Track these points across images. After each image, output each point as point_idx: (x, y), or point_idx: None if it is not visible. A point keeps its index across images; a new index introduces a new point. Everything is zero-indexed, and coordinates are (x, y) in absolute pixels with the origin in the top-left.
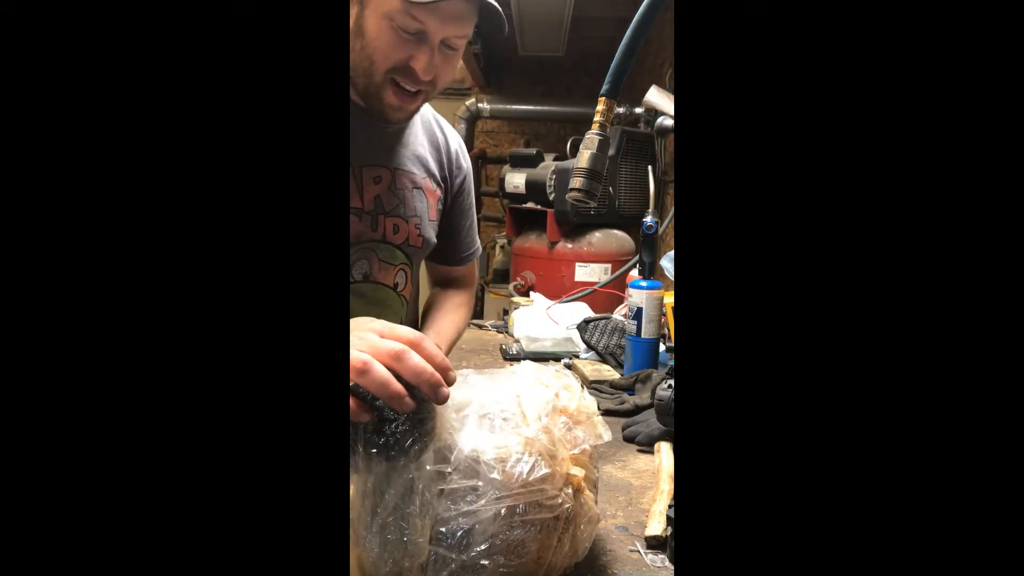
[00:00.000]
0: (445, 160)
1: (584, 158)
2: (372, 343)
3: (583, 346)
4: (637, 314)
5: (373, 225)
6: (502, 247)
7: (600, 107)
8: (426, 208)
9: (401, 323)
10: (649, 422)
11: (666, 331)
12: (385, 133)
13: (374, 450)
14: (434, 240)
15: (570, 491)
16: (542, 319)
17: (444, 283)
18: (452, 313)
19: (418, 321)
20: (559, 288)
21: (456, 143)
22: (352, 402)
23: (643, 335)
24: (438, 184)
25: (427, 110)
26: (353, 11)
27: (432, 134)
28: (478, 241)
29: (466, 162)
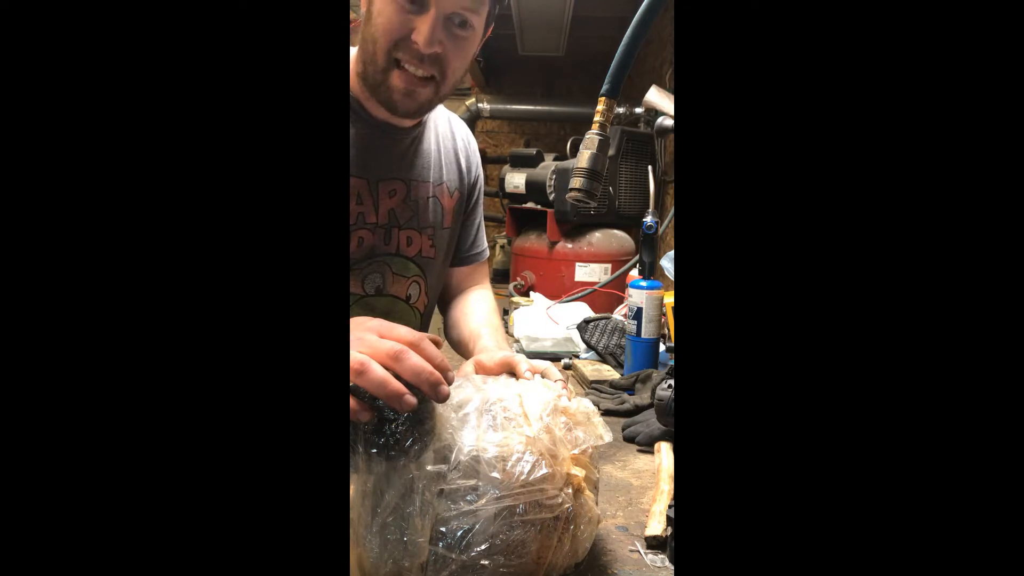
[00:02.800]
0: (464, 160)
1: (584, 158)
2: (371, 343)
3: (583, 346)
4: (637, 314)
5: (386, 238)
6: (502, 247)
7: (600, 107)
8: (440, 217)
9: None
10: (649, 422)
11: (666, 331)
12: (402, 144)
13: (374, 450)
14: (446, 248)
15: (570, 491)
16: (542, 319)
17: (453, 293)
18: (479, 305)
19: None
20: (559, 288)
21: (472, 142)
22: (352, 402)
23: (643, 335)
24: (456, 189)
25: (441, 111)
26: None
27: (449, 136)
28: (485, 244)
29: (478, 159)
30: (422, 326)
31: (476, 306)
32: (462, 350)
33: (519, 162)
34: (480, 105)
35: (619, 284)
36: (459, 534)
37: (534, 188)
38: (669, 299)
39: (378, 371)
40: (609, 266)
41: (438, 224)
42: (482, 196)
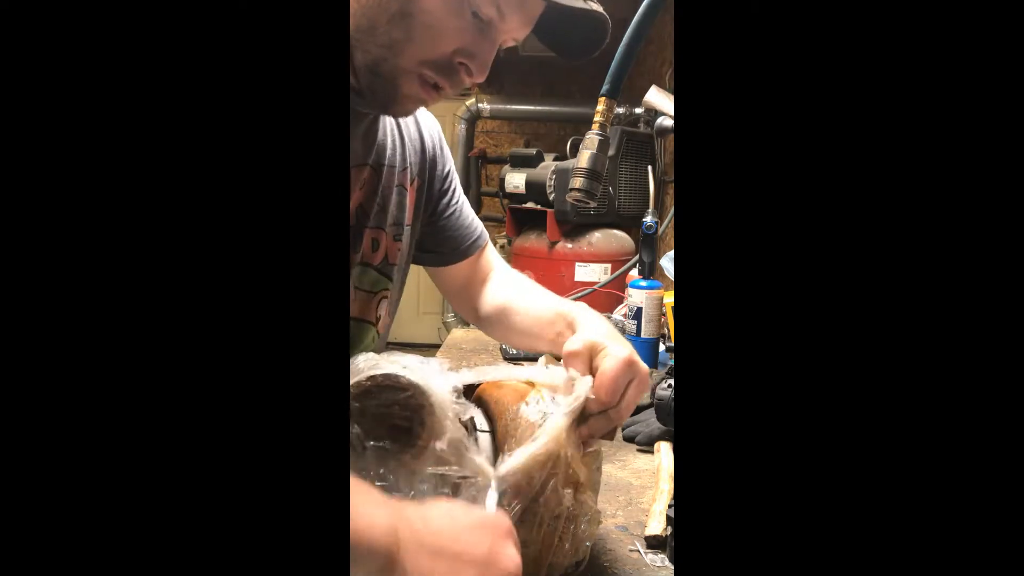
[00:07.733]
0: (429, 140)
1: (584, 158)
2: None
3: None
4: (637, 314)
5: (354, 243)
6: (502, 247)
7: (600, 107)
8: (406, 211)
9: None
10: (649, 422)
11: (666, 331)
12: (362, 123)
13: (375, 447)
14: (408, 249)
15: (571, 491)
16: None
17: (470, 286)
18: (521, 284)
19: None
20: (559, 288)
21: (431, 119)
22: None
23: (643, 335)
24: (416, 176)
25: None
26: None
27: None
28: (481, 224)
29: (442, 137)
30: (378, 349)
31: (522, 288)
32: (541, 333)
33: (519, 162)
34: (480, 105)
35: (619, 284)
36: None
37: (534, 188)
38: (669, 299)
39: None
40: (609, 266)
41: (404, 220)
42: (457, 179)
